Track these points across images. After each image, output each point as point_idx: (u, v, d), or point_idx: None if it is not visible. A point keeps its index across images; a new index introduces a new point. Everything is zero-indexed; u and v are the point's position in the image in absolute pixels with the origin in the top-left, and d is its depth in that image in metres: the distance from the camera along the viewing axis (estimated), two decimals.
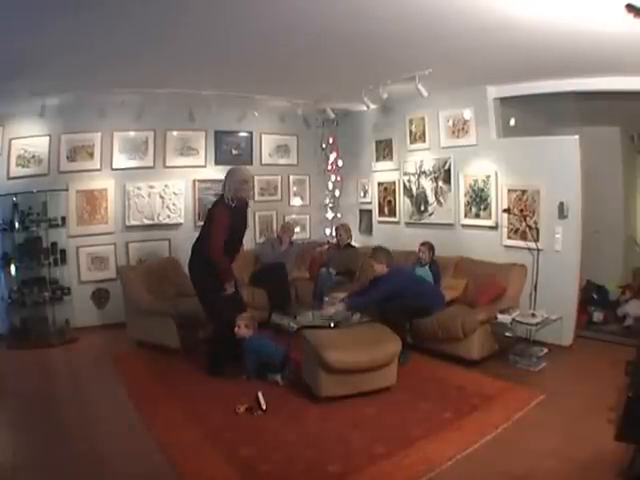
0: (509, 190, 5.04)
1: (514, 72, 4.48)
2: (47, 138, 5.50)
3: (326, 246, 6.60)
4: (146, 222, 6.02)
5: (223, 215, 3.93)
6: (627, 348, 4.12)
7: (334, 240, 6.54)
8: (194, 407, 3.62)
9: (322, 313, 4.43)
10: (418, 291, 4.55)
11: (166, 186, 6.09)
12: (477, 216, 5.38)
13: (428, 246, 5.15)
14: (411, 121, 6.03)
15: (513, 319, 4.27)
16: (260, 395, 3.57)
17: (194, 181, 6.25)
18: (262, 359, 3.99)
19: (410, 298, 4.44)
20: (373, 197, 6.75)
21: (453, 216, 5.60)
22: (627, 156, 5.57)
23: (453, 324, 4.29)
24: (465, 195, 5.48)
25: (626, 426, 2.32)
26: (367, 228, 6.88)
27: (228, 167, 6.37)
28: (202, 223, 4.38)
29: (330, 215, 7.10)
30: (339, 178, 7.07)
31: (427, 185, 5.89)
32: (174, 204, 6.10)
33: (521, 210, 4.89)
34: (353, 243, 6.41)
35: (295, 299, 5.78)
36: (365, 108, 6.23)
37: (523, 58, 3.93)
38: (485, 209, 5.29)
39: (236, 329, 3.97)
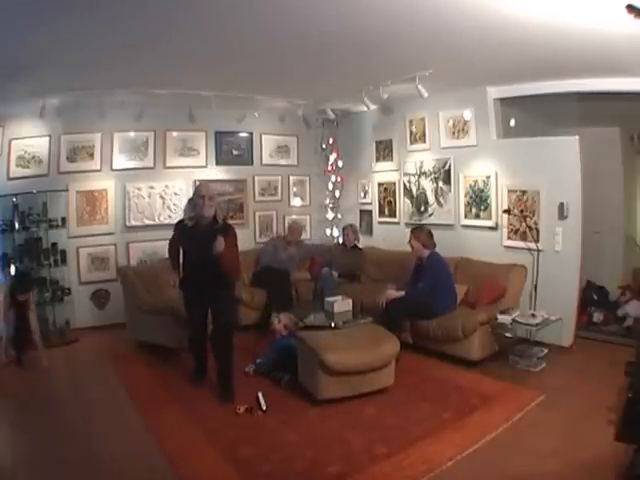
0: (509, 191, 5.04)
1: (514, 73, 4.48)
2: (47, 139, 5.50)
3: None
4: (147, 222, 6.03)
5: (173, 232, 3.96)
6: (627, 349, 4.12)
7: (340, 240, 6.54)
8: (194, 407, 3.62)
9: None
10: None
11: (166, 186, 6.10)
12: (477, 217, 5.38)
13: None
14: (411, 122, 6.03)
15: (513, 319, 4.27)
16: (260, 395, 3.58)
17: (195, 181, 6.24)
18: (281, 361, 4.02)
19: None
20: (373, 198, 6.76)
21: (453, 217, 5.60)
22: (627, 156, 5.57)
23: (453, 324, 4.29)
24: (465, 196, 5.48)
25: (626, 426, 2.32)
26: (367, 228, 6.88)
27: (229, 167, 6.52)
28: None
29: (330, 216, 7.10)
30: (339, 179, 7.07)
31: (427, 186, 5.89)
32: (175, 204, 6.09)
33: (521, 211, 4.89)
34: (359, 245, 6.40)
35: (296, 299, 5.78)
36: (365, 109, 6.23)
37: (523, 59, 3.93)
38: (485, 210, 5.29)
39: (274, 321, 4.25)
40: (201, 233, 3.67)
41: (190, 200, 3.82)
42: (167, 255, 4.09)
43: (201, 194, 3.67)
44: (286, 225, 6.84)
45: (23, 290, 4.55)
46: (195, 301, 3.90)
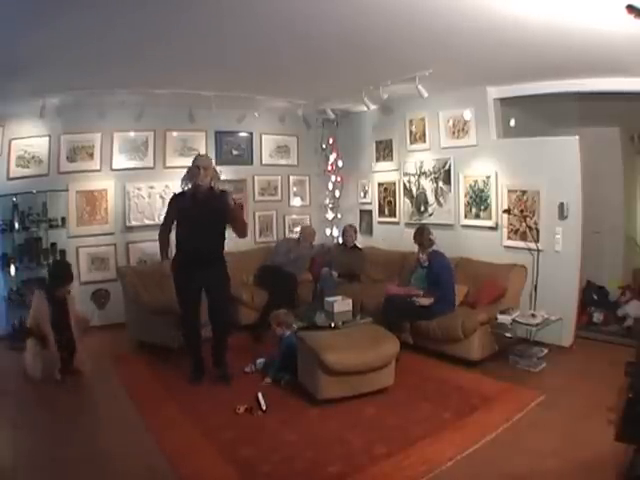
0: (509, 190, 5.04)
1: (514, 73, 4.48)
2: (47, 139, 5.50)
3: None
4: (147, 222, 6.02)
5: (168, 207, 4.04)
6: (627, 349, 4.11)
7: (340, 240, 6.55)
8: (194, 407, 3.62)
9: None
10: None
11: (167, 186, 6.07)
12: (477, 217, 5.38)
13: None
14: (411, 122, 6.03)
15: (513, 320, 4.27)
16: (260, 395, 3.58)
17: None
18: (285, 361, 3.99)
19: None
20: (373, 197, 6.75)
21: (453, 217, 5.60)
22: (627, 156, 5.57)
23: (453, 325, 4.29)
24: (465, 196, 5.48)
25: (626, 427, 2.31)
26: (367, 228, 6.88)
27: (229, 167, 6.53)
28: None
29: (330, 215, 7.10)
30: (339, 178, 7.06)
31: (427, 185, 5.89)
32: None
33: (521, 210, 4.89)
34: (358, 244, 6.42)
35: (296, 300, 5.76)
36: (365, 109, 6.23)
37: (523, 58, 3.93)
38: (485, 210, 5.29)
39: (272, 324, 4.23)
40: (199, 201, 3.84)
41: (188, 171, 3.95)
42: (158, 239, 4.05)
43: (197, 165, 3.85)
44: (287, 226, 6.95)
45: (62, 283, 4.21)
46: (188, 277, 3.90)
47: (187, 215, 3.90)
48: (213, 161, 6.17)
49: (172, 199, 4.06)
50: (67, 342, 4.20)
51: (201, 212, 3.82)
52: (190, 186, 3.91)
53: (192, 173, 3.87)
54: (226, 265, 4.09)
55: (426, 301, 4.47)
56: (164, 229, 4.06)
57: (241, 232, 4.04)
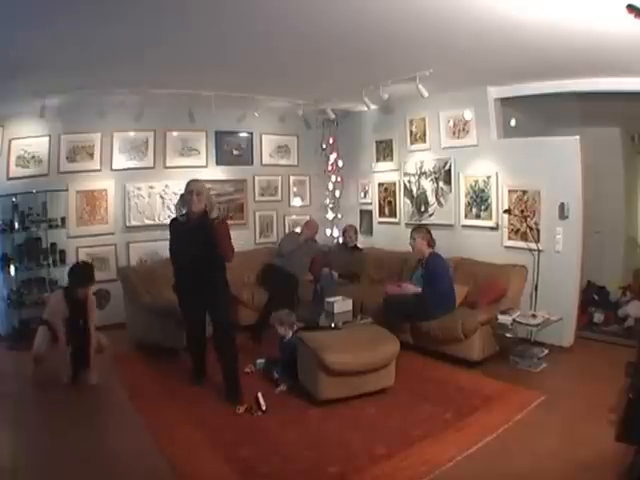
0: (510, 191, 5.04)
1: (515, 73, 4.48)
2: (47, 138, 5.49)
3: None
4: (147, 222, 6.02)
5: (169, 226, 3.98)
6: (628, 349, 4.11)
7: (340, 240, 6.56)
8: (194, 407, 3.62)
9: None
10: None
11: (166, 186, 6.09)
12: (477, 217, 5.37)
13: None
14: (411, 121, 6.03)
15: (514, 320, 4.27)
16: (260, 396, 3.57)
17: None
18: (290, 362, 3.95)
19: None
20: (373, 198, 6.75)
21: (453, 217, 5.59)
22: (628, 156, 5.57)
23: (453, 325, 4.28)
24: (465, 196, 5.47)
25: (627, 427, 2.31)
26: (367, 229, 6.88)
27: (229, 167, 6.52)
28: None
29: (330, 216, 7.10)
30: (339, 179, 7.06)
31: (427, 186, 5.89)
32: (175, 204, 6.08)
33: (522, 211, 4.88)
34: (359, 245, 6.44)
35: (296, 301, 5.76)
36: (365, 108, 6.23)
37: (524, 59, 3.93)
38: (486, 210, 5.28)
39: (275, 325, 4.24)
40: (192, 228, 3.73)
41: (181, 197, 3.89)
42: (170, 260, 3.99)
43: (190, 190, 3.74)
44: (287, 226, 6.95)
45: (82, 284, 4.10)
46: (190, 301, 3.88)
47: (181, 241, 3.83)
48: (213, 163, 6.33)
49: (170, 225, 3.99)
50: (81, 342, 4.13)
51: (195, 238, 3.70)
52: (185, 212, 3.83)
53: (186, 199, 3.78)
54: (225, 287, 3.93)
55: (412, 288, 4.56)
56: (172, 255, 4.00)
57: (226, 256, 3.78)
